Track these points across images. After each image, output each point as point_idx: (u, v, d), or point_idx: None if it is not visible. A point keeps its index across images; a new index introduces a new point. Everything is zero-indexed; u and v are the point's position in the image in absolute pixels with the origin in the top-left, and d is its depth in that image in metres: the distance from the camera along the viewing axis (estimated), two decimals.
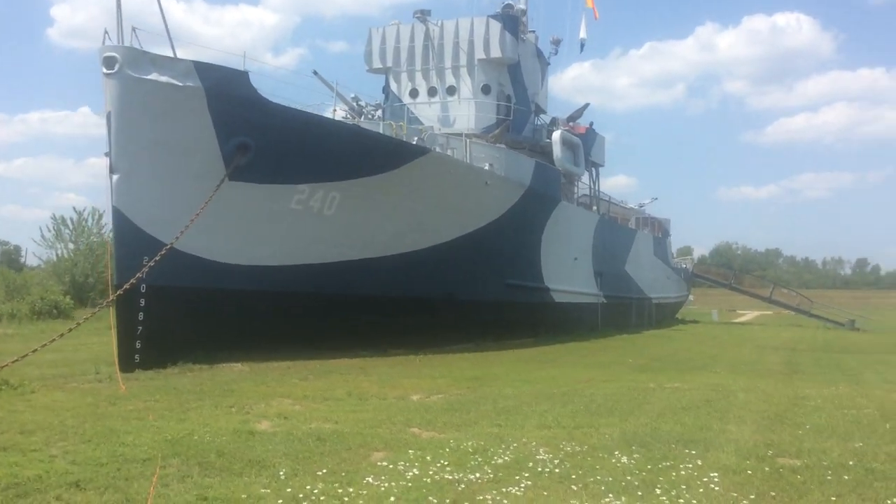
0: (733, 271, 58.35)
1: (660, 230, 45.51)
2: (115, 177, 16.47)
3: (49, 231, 45.89)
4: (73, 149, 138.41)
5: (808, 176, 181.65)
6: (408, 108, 28.73)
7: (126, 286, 15.37)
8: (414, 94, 29.22)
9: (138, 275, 15.57)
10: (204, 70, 16.81)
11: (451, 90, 28.77)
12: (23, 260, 63.95)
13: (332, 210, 19.73)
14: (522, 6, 30.14)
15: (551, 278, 28.30)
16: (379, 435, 8.96)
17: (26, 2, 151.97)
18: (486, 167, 23.62)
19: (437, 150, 22.11)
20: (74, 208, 45.75)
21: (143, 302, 16.54)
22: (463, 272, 23.77)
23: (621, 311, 35.27)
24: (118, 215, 16.53)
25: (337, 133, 19.27)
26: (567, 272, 29.55)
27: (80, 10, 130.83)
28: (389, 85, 29.83)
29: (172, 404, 11.18)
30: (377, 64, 29.76)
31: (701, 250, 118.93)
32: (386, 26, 29.93)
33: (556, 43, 33.57)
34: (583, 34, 33.78)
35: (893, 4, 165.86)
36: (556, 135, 28.41)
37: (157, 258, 15.85)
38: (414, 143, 21.29)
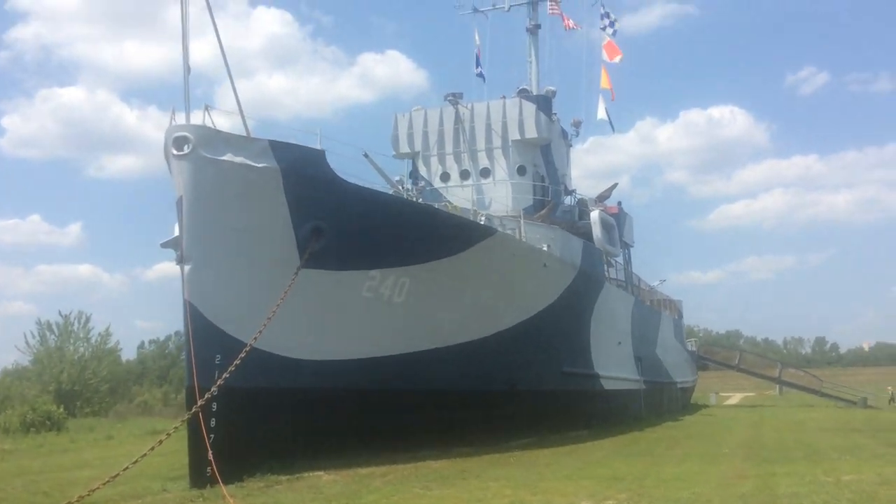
0: (739, 352, 57.37)
1: (675, 312, 44.74)
2: (186, 267, 14.91)
3: (33, 337, 43.45)
4: (22, 255, 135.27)
5: (751, 259, 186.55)
6: (440, 192, 27.72)
7: (213, 389, 13.64)
8: (445, 177, 28.32)
9: (225, 375, 13.88)
10: (280, 149, 15.57)
11: (486, 172, 27.95)
12: None
13: (402, 297, 18.28)
14: (552, 87, 29.72)
15: (600, 364, 26.97)
16: None
17: None
18: (545, 248, 22.50)
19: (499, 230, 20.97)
20: (60, 312, 43.27)
21: (215, 406, 14.74)
22: (523, 360, 22.31)
23: (656, 397, 33.94)
24: (192, 310, 14.88)
25: (410, 213, 18.02)
26: (613, 357, 28.28)
27: (32, 119, 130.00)
28: (418, 169, 28.90)
29: None
30: (405, 149, 28.91)
31: None
32: (412, 111, 29.24)
33: (577, 125, 33.24)
34: (602, 115, 33.43)
35: (821, 95, 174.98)
36: (595, 214, 27.58)
37: (239, 358, 14.20)
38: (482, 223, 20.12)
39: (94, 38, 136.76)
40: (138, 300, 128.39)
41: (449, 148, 28.41)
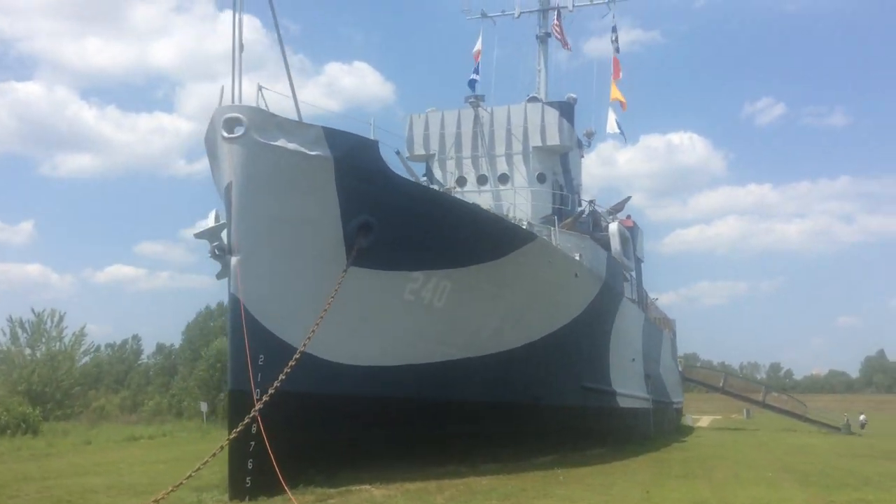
0: (724, 374, 57.08)
1: (671, 330, 44.25)
2: (234, 259, 13.77)
3: (3, 335, 41.33)
4: None
5: (704, 284, 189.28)
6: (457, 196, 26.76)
7: (268, 396, 12.54)
8: (462, 182, 27.35)
9: (276, 383, 12.79)
10: (334, 137, 14.52)
11: (504, 178, 27.07)
12: None
13: (442, 302, 17.29)
14: (573, 94, 29.01)
15: (617, 381, 26.20)
16: None
17: None
18: (577, 257, 21.69)
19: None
20: (33, 310, 41.10)
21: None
22: (548, 374, 21.43)
23: (660, 416, 33.28)
24: (237, 306, 13.74)
25: (457, 213, 17.03)
26: (628, 374, 27.54)
27: None
28: (433, 172, 27.92)
29: None
30: (419, 150, 27.90)
31: None
32: (427, 112, 28.27)
33: (590, 136, 32.57)
34: (612, 127, 32.82)
35: (777, 126, 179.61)
36: (614, 227, 26.88)
37: (291, 364, 13.11)
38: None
39: (56, 33, 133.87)
40: (87, 302, 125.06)
41: (466, 151, 27.48)
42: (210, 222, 15.86)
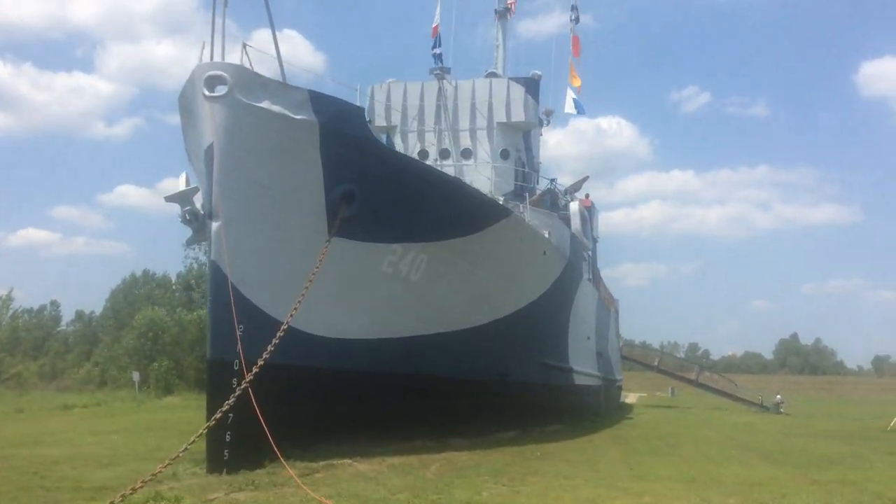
0: (659, 353, 58.37)
1: (614, 309, 44.80)
2: (214, 224, 13.13)
3: None
4: None
5: (627, 266, 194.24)
6: None
7: (257, 367, 12.03)
8: (423, 154, 26.80)
9: (265, 355, 12.27)
10: (319, 101, 13.94)
11: (467, 153, 26.70)
12: None
13: (418, 276, 16.94)
14: (538, 71, 28.75)
15: (574, 359, 26.34)
16: None
17: None
18: (546, 235, 21.58)
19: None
20: None
21: (235, 382, 13.06)
22: (512, 351, 21.37)
23: (607, 394, 33.71)
24: (217, 272, 13.16)
25: (438, 185, 16.64)
26: (583, 352, 27.71)
27: None
28: (393, 145, 27.35)
29: None
30: (381, 122, 27.21)
31: None
32: (389, 82, 27.64)
33: (549, 114, 32.38)
34: (570, 107, 32.71)
35: (701, 114, 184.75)
36: (575, 205, 26.94)
37: (278, 337, 12.61)
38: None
39: None
40: None
41: (429, 125, 26.97)
42: (181, 185, 15.12)
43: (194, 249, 48.27)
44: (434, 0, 29.88)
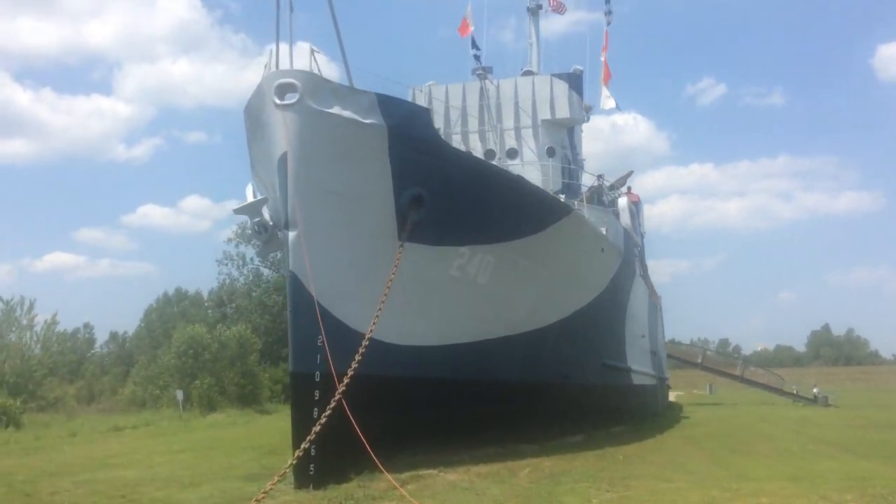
0: (701, 350, 57.62)
1: (660, 306, 44.13)
2: (292, 234, 12.87)
3: None
4: None
5: (649, 263, 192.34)
6: None
7: (348, 377, 11.74)
8: None
9: (358, 359, 11.97)
10: (387, 105, 13.67)
11: (513, 153, 26.34)
12: None
13: (485, 278, 16.61)
14: (579, 67, 28.34)
15: (631, 358, 25.87)
16: None
17: None
18: (604, 231, 21.17)
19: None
20: (1, 297, 38.94)
21: (317, 394, 12.80)
22: (574, 351, 20.96)
23: (661, 393, 33.17)
24: (296, 283, 12.88)
25: (503, 185, 16.30)
26: (639, 351, 27.23)
27: None
28: None
29: None
30: None
31: None
32: (429, 85, 27.36)
33: (588, 110, 31.89)
34: (607, 104, 32.24)
35: (718, 106, 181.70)
36: (623, 201, 26.51)
37: (362, 347, 12.34)
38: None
39: None
40: (27, 291, 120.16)
41: (473, 126, 26.67)
42: (248, 197, 14.92)
43: (255, 262, 48.75)
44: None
